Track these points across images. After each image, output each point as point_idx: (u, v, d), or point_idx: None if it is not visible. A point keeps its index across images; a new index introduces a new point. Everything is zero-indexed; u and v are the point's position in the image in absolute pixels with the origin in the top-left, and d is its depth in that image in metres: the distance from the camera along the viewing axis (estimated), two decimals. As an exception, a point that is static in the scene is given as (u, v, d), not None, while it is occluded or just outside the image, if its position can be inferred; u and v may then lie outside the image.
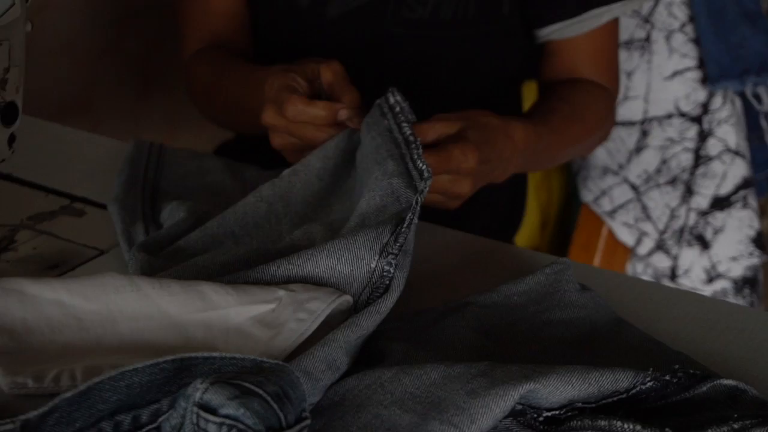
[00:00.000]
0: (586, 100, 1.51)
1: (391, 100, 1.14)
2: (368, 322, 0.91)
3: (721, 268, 1.89)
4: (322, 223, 1.08)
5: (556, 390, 0.82)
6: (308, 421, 0.79)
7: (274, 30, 1.56)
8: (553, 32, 1.52)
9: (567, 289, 1.02)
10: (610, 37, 1.56)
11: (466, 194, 1.21)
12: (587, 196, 1.94)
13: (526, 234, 1.95)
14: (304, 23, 1.51)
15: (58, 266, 1.13)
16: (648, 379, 0.84)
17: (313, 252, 0.96)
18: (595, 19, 1.51)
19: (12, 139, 1.10)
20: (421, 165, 1.04)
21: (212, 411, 0.75)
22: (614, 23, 1.55)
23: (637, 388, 0.84)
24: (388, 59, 1.51)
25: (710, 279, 1.90)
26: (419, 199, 0.99)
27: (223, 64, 1.50)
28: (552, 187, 2.03)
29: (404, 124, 1.10)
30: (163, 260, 1.04)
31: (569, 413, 0.83)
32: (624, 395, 0.84)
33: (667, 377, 0.84)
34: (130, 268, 1.05)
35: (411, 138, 1.08)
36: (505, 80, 1.59)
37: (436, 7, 1.47)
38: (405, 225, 0.97)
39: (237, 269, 1.00)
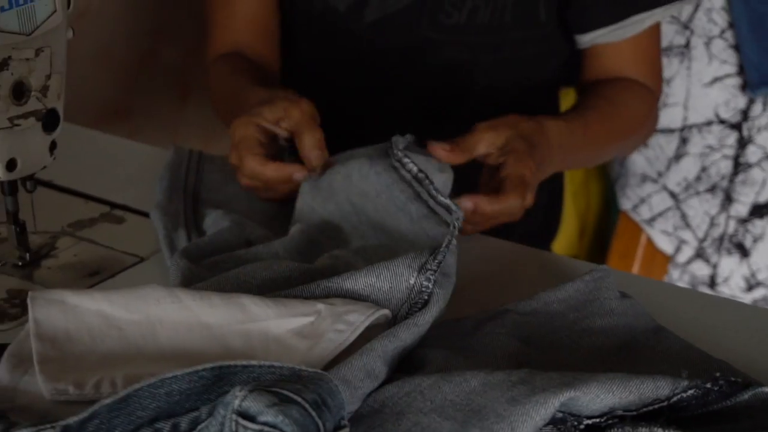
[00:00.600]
0: (626, 98, 1.50)
1: (400, 145, 1.15)
2: (406, 334, 0.91)
3: (760, 276, 1.87)
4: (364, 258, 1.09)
5: (597, 397, 0.81)
6: (347, 429, 0.79)
7: (310, 35, 1.56)
8: (596, 38, 1.51)
9: (606, 296, 1.01)
10: (652, 40, 1.55)
11: (531, 203, 1.23)
12: (626, 203, 1.93)
13: (564, 242, 1.94)
14: (340, 28, 1.52)
15: (98, 273, 1.13)
16: (689, 386, 0.84)
17: (353, 272, 0.98)
18: (638, 24, 1.50)
19: (53, 146, 1.10)
20: (443, 200, 1.08)
21: (251, 418, 0.75)
22: (656, 26, 1.54)
23: (678, 396, 0.83)
24: (424, 64, 1.51)
25: (750, 287, 1.89)
26: (456, 224, 1.02)
27: (233, 77, 1.51)
28: (590, 194, 2.02)
29: (406, 160, 1.12)
30: (204, 269, 1.04)
31: (609, 421, 0.82)
32: (665, 403, 0.83)
33: (708, 385, 0.84)
34: (172, 274, 1.05)
35: (420, 175, 1.11)
36: (541, 86, 1.59)
37: (473, 12, 1.47)
38: (444, 245, 0.98)
39: (278, 285, 1.01)
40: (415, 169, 1.12)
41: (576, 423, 0.83)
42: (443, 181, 1.14)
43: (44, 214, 1.20)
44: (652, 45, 1.56)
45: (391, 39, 1.50)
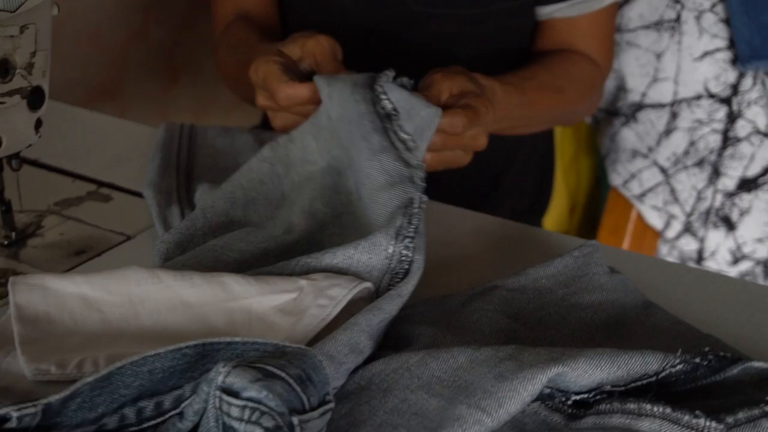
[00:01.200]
0: (570, 71, 1.51)
1: (383, 80, 1.14)
2: (390, 305, 0.91)
3: (746, 249, 1.87)
4: (320, 194, 1.08)
5: (585, 373, 0.81)
6: (332, 404, 0.78)
7: (297, 9, 1.55)
8: (554, 11, 1.51)
9: (596, 272, 1.01)
10: (608, 18, 1.56)
11: (484, 147, 1.21)
12: (616, 179, 1.92)
13: (554, 218, 1.94)
14: (325, 3, 1.51)
15: (84, 252, 1.13)
16: (678, 361, 0.83)
17: (331, 248, 0.97)
18: (596, 1, 1.50)
19: (39, 124, 1.09)
20: (404, 135, 1.06)
21: (235, 394, 0.75)
22: (615, 5, 1.55)
23: (667, 371, 0.83)
24: (409, 38, 1.50)
25: (735, 260, 1.89)
26: (420, 174, 1.01)
27: (239, 40, 1.51)
28: (580, 170, 2.02)
29: (383, 96, 1.10)
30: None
31: (598, 396, 0.82)
32: (653, 378, 0.83)
33: (697, 360, 0.83)
34: (156, 259, 1.05)
35: (393, 112, 1.09)
36: (520, 57, 1.58)
37: None
38: (416, 206, 0.98)
39: (255, 257, 1.01)
40: (389, 106, 1.10)
41: (564, 399, 0.83)
42: (428, 117, 1.12)
43: (30, 192, 1.19)
44: (607, 23, 1.56)
45: (377, 13, 1.50)
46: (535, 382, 0.79)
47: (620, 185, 1.92)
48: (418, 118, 1.09)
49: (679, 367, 0.83)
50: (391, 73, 1.16)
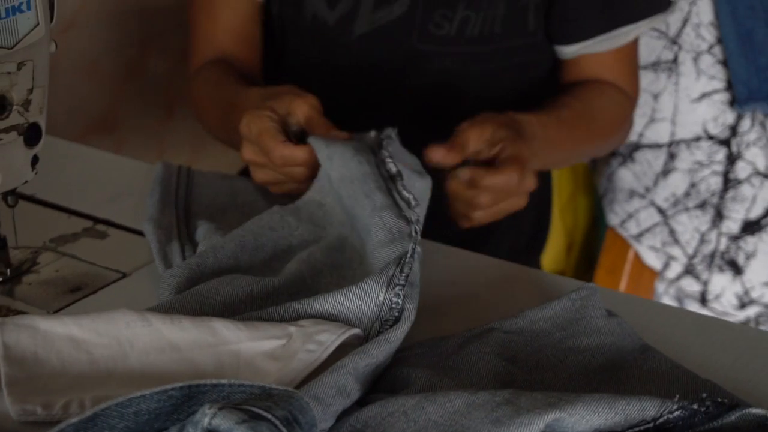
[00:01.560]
0: (601, 101, 1.51)
1: (389, 147, 1.15)
2: (377, 350, 0.91)
3: (754, 294, 1.87)
4: (322, 249, 1.09)
5: (582, 419, 0.80)
6: (318, 446, 0.78)
7: (299, 47, 1.55)
8: (580, 49, 1.51)
9: (593, 315, 1.01)
10: (633, 51, 1.56)
11: (533, 187, 1.24)
12: (613, 219, 1.92)
13: (551, 257, 1.93)
14: (330, 41, 1.51)
15: (80, 289, 1.12)
16: (675, 407, 0.83)
17: (321, 295, 0.98)
18: (622, 36, 1.50)
19: (35, 160, 1.09)
20: (407, 195, 1.07)
21: (221, 436, 0.74)
22: (637, 38, 1.55)
23: (665, 417, 0.82)
24: (415, 76, 1.50)
25: (743, 305, 1.88)
26: (417, 228, 1.02)
27: (219, 83, 1.50)
28: (577, 209, 2.02)
29: (388, 160, 1.11)
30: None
31: (595, 442, 0.81)
32: (651, 424, 0.82)
33: (695, 406, 0.83)
34: (161, 290, 1.05)
35: (395, 171, 1.10)
36: (530, 94, 1.59)
37: (463, 23, 1.46)
38: (408, 255, 0.98)
39: (241, 300, 1.01)
40: (394, 169, 1.11)
41: (561, 444, 0.82)
42: (422, 187, 1.14)
43: (26, 228, 1.18)
44: (632, 55, 1.56)
45: (381, 51, 1.50)
46: (533, 428, 0.79)
47: (617, 225, 1.92)
48: (414, 189, 1.10)
49: (676, 413, 0.83)
50: (393, 134, 1.16)
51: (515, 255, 1.50)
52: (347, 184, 1.11)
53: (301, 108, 1.23)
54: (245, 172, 1.72)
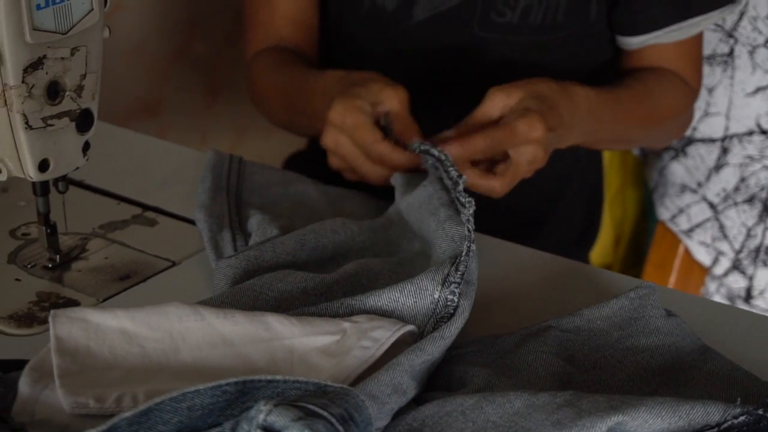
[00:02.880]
0: (663, 86, 1.49)
1: (435, 152, 1.14)
2: (432, 347, 0.89)
3: (799, 291, 1.84)
4: (385, 259, 1.08)
5: (645, 423, 0.78)
6: (375, 445, 0.77)
7: (355, 34, 1.54)
8: (647, 41, 1.48)
9: (652, 314, 0.99)
10: (697, 42, 1.54)
11: (541, 163, 1.23)
12: (664, 214, 1.90)
13: (599, 250, 1.91)
14: (389, 27, 1.49)
15: (129, 277, 1.11)
16: (739, 412, 0.81)
17: (375, 290, 0.97)
18: (691, 28, 1.48)
19: (86, 146, 1.08)
20: (463, 198, 1.05)
21: (276, 433, 0.73)
22: (702, 31, 1.53)
23: (729, 422, 0.81)
24: (474, 63, 1.48)
25: (788, 301, 1.86)
26: (469, 227, 1.00)
27: (284, 66, 1.50)
28: (626, 202, 1.99)
29: (451, 168, 1.10)
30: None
31: (658, 447, 0.80)
32: (715, 429, 0.80)
33: (760, 411, 0.81)
34: (216, 279, 1.04)
35: (456, 176, 1.09)
36: (589, 81, 1.56)
37: (526, 11, 1.44)
38: (464, 253, 0.97)
39: (294, 296, 1.00)
40: (455, 174, 1.10)
41: (623, 448, 0.80)
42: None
43: (75, 214, 1.17)
44: (697, 48, 1.54)
45: (440, 38, 1.48)
46: (595, 431, 0.77)
47: (668, 220, 1.89)
48: None
49: (741, 418, 0.81)
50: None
51: (566, 249, 1.48)
52: (415, 210, 1.10)
53: (391, 100, 1.23)
54: (290, 161, 1.72)
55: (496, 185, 1.20)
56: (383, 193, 1.24)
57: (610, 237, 1.95)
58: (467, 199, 1.03)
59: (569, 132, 1.28)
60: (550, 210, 1.42)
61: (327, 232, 1.10)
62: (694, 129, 1.82)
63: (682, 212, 1.87)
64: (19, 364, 0.87)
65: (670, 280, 1.88)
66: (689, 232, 1.87)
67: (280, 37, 1.56)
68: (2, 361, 0.87)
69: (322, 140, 1.24)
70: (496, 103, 1.23)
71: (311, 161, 1.59)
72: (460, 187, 1.05)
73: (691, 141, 1.83)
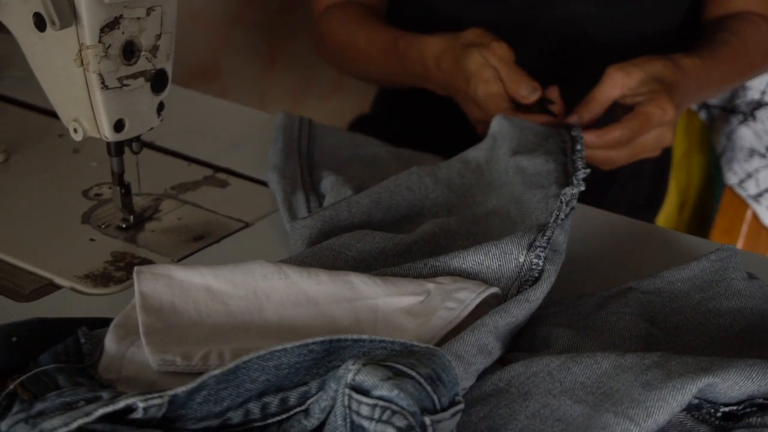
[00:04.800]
0: (754, 34, 1.48)
1: (574, 133, 1.14)
2: (517, 309, 0.89)
3: None
4: (461, 218, 1.07)
5: (735, 384, 0.77)
6: (462, 405, 0.76)
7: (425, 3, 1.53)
8: None
9: (734, 277, 0.97)
10: None
11: (671, 143, 1.25)
12: (732, 178, 1.88)
13: (663, 215, 1.90)
14: None
15: (203, 237, 1.11)
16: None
17: (460, 251, 0.96)
18: None
19: (161, 107, 1.08)
20: (579, 162, 1.07)
21: (365, 392, 0.73)
22: None
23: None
24: (544, 18, 1.48)
25: None
26: (566, 199, 0.99)
27: (362, 22, 1.50)
28: (691, 167, 1.98)
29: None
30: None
31: (748, 409, 0.79)
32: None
33: None
34: (292, 240, 1.03)
35: (581, 164, 1.09)
36: (664, 35, 1.54)
37: None
38: (552, 219, 0.96)
39: (373, 257, 0.99)
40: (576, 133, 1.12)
41: (712, 410, 0.79)
42: None
43: (147, 175, 1.17)
44: None
45: (513, 4, 1.47)
46: (685, 392, 0.76)
47: (736, 184, 1.87)
48: None
49: (831, 380, 0.79)
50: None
51: (634, 211, 1.47)
52: (514, 171, 1.09)
53: (500, 54, 1.26)
54: (355, 124, 1.71)
55: (617, 156, 1.21)
56: (454, 154, 1.23)
57: (674, 202, 1.94)
58: (579, 182, 1.02)
59: (686, 104, 1.31)
60: (617, 171, 1.40)
61: (401, 189, 1.09)
62: (763, 93, 1.80)
63: (751, 177, 1.85)
64: (104, 322, 0.87)
65: (738, 245, 1.86)
66: (757, 197, 1.85)
67: None
68: (88, 319, 0.87)
69: (465, 61, 1.27)
70: (616, 82, 1.24)
71: (376, 125, 1.59)
72: (580, 174, 1.04)
73: (760, 105, 1.81)
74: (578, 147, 1.12)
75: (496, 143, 1.15)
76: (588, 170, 1.05)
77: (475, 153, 1.16)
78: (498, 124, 1.16)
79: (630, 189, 1.59)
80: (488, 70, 1.24)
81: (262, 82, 2.25)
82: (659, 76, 1.25)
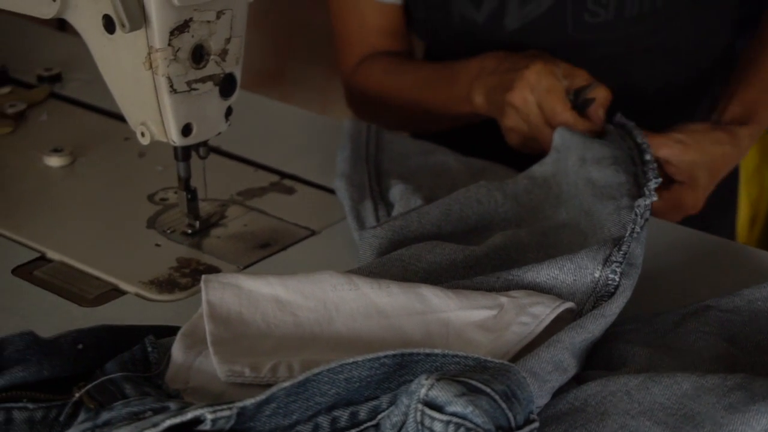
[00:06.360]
0: None
1: (640, 140, 1.13)
2: (593, 325, 0.87)
3: None
4: (531, 231, 1.06)
5: (822, 408, 0.75)
6: (537, 424, 0.74)
7: (449, 48, 1.52)
8: None
9: (817, 296, 0.94)
10: None
11: (698, 210, 1.27)
12: (804, 193, 1.84)
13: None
14: (482, 39, 1.47)
15: (269, 245, 1.10)
16: None
17: (534, 264, 0.94)
18: None
19: (229, 111, 1.07)
20: (650, 174, 1.06)
21: (438, 408, 0.71)
22: None
23: None
24: (574, 64, 1.45)
25: None
26: (638, 211, 0.96)
27: (402, 65, 1.51)
28: (764, 181, 1.94)
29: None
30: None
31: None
32: None
33: None
34: (361, 250, 1.02)
35: (653, 175, 1.07)
36: (705, 64, 1.51)
37: (620, 5, 1.40)
38: (627, 233, 0.94)
39: (443, 268, 0.98)
40: (640, 140, 1.11)
41: (797, 435, 0.77)
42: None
43: (213, 180, 1.16)
44: None
45: (535, 45, 1.44)
46: (770, 416, 0.74)
47: (808, 198, 1.84)
48: None
49: None
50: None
51: (703, 224, 1.45)
52: (584, 183, 1.07)
53: (582, 74, 1.24)
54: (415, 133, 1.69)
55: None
56: (523, 166, 1.21)
57: (746, 216, 1.90)
58: (651, 192, 1.00)
59: (730, 167, 1.31)
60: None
61: (471, 202, 1.08)
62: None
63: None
64: (171, 330, 0.86)
65: (810, 261, 1.82)
66: (832, 212, 1.82)
67: (373, 47, 1.56)
68: (154, 327, 0.86)
69: (509, 96, 1.24)
70: (672, 150, 1.22)
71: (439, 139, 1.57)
72: (652, 185, 1.01)
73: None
74: (648, 157, 1.10)
75: (560, 155, 1.13)
76: (660, 180, 1.02)
77: (541, 168, 1.15)
78: (560, 137, 1.15)
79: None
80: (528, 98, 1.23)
81: (325, 87, 2.25)
82: (710, 164, 1.25)
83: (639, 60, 1.46)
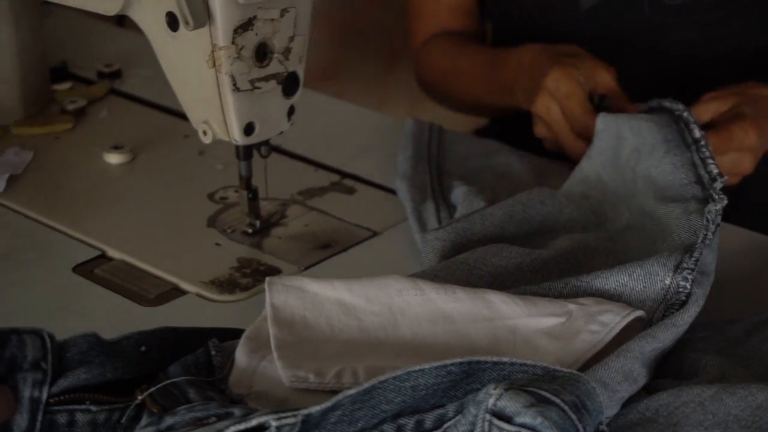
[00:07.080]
0: None
1: (685, 114, 1.09)
2: (664, 335, 0.85)
3: None
4: (598, 235, 1.04)
5: None
6: (606, 435, 0.72)
7: (522, 23, 1.51)
8: None
9: None
10: None
11: (749, 171, 1.21)
12: None
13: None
14: (556, 15, 1.46)
15: (330, 246, 1.09)
16: None
17: (602, 271, 0.92)
18: None
19: (291, 111, 1.06)
20: (712, 167, 1.02)
21: (507, 419, 0.70)
22: None
23: None
24: (648, 49, 1.43)
25: None
26: (709, 217, 0.94)
27: (464, 47, 1.50)
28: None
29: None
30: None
31: None
32: None
33: None
34: (424, 252, 1.01)
35: (698, 136, 1.05)
36: None
37: None
38: (699, 240, 0.92)
39: (509, 272, 0.96)
40: (697, 134, 1.06)
41: None
42: None
43: (273, 180, 1.15)
44: None
45: (610, 25, 1.43)
46: None
47: None
48: None
49: None
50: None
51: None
52: (648, 186, 1.05)
53: (604, 76, 1.21)
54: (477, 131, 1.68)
55: None
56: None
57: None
58: (720, 196, 0.97)
59: None
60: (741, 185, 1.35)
61: (534, 203, 1.06)
62: None
63: None
64: (234, 333, 0.85)
65: None
66: None
67: (444, 26, 1.57)
68: (218, 330, 0.85)
69: (533, 106, 1.22)
70: (709, 107, 1.21)
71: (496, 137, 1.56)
72: (718, 185, 0.99)
73: None
74: (707, 153, 1.05)
75: (605, 144, 1.11)
76: (725, 179, 1.00)
77: (590, 164, 1.12)
78: (603, 123, 1.12)
79: (760, 192, 1.53)
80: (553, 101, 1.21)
81: (381, 84, 2.23)
82: (753, 101, 1.21)
83: (716, 46, 1.44)
